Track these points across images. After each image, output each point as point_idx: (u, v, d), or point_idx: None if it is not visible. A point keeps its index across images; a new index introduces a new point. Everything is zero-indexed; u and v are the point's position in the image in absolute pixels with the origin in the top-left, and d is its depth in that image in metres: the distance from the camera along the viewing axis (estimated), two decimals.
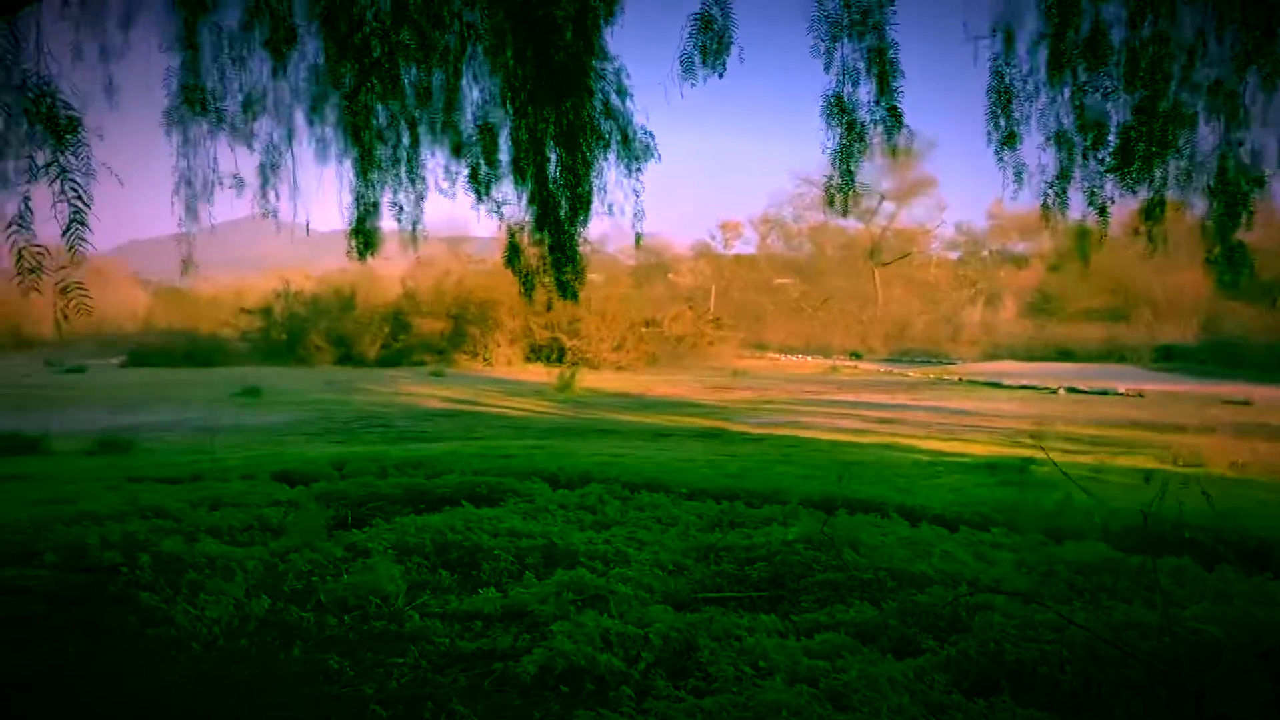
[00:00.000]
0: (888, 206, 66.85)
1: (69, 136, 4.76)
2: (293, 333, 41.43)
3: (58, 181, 4.66)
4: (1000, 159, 6.65)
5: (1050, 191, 6.68)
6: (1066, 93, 6.44)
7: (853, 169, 6.43)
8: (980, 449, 12.96)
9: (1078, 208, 6.72)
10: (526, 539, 6.30)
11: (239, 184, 7.52)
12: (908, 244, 68.40)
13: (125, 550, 5.86)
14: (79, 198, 4.70)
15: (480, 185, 7.68)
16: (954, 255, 71.25)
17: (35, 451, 12.27)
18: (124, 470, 10.23)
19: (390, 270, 48.57)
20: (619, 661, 4.22)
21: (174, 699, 3.86)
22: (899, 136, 6.36)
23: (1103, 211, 6.20)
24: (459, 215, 44.80)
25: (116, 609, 4.88)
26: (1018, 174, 6.70)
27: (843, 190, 6.47)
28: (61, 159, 4.69)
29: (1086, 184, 6.34)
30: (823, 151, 6.44)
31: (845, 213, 6.70)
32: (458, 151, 8.24)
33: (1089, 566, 5.53)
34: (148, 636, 4.55)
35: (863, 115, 6.35)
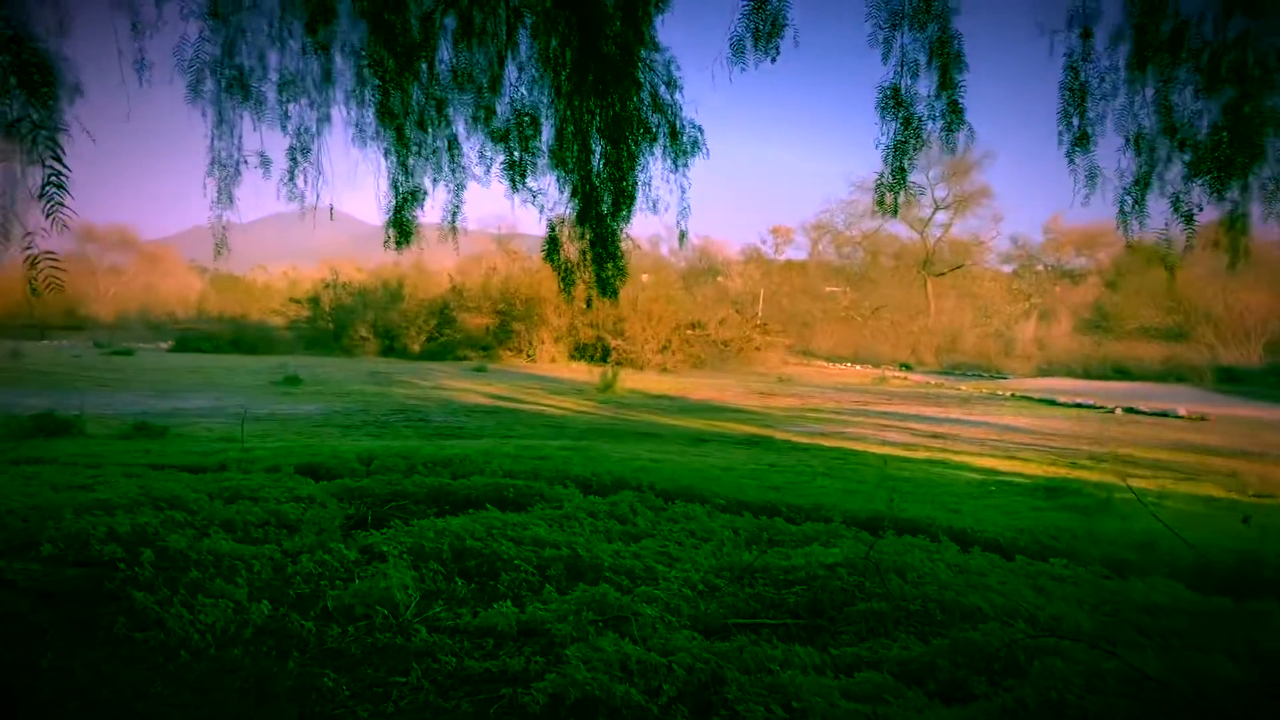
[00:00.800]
0: (941, 216, 65.92)
1: (44, 90, 4.45)
2: (339, 323, 41.59)
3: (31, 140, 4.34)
4: (1071, 161, 6.19)
5: (1128, 197, 6.20)
6: (1149, 92, 5.95)
7: (906, 166, 6.01)
8: (1035, 469, 12.40)
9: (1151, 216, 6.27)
10: (550, 549, 5.93)
11: (265, 163, 7.20)
12: (961, 255, 67.42)
13: (129, 544, 5.58)
14: (56, 159, 4.40)
15: (517, 173, 7.31)
16: (1007, 269, 70.11)
17: (69, 433, 12.15)
18: (152, 456, 10.05)
19: (438, 265, 48.78)
20: (638, 694, 3.83)
21: (148, 713, 3.54)
22: (959, 134, 5.93)
23: (1189, 219, 5.70)
24: (508, 212, 44.74)
25: (107, 608, 4.58)
26: (1090, 177, 6.22)
27: (894, 188, 6.04)
28: (35, 114, 4.39)
29: (1170, 189, 5.85)
30: (876, 146, 6.02)
31: (895, 212, 6.26)
32: (499, 140, 7.93)
33: (1159, 608, 5.04)
34: (135, 641, 4.24)
35: (920, 110, 5.92)
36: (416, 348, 40.04)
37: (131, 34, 6.89)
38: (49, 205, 4.32)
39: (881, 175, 5.95)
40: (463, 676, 4.12)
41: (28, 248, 4.35)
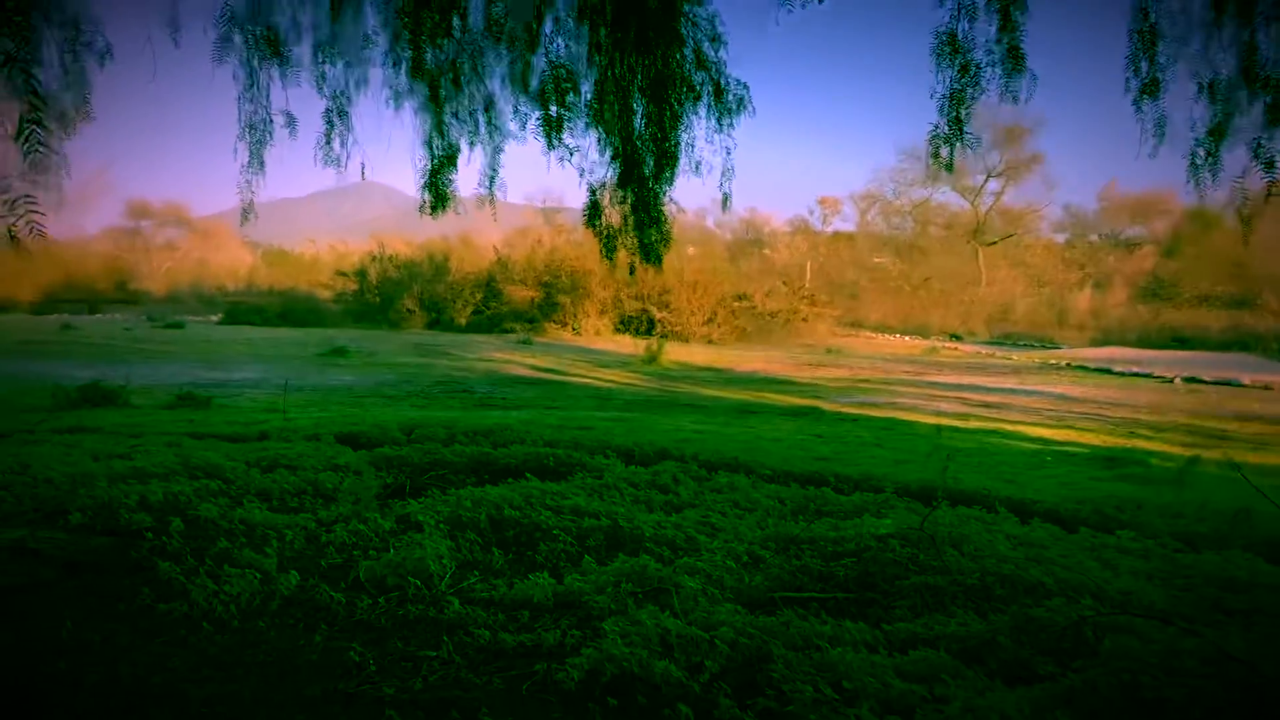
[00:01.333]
0: (993, 185, 64.62)
1: (18, 20, 4.25)
2: (386, 296, 41.72)
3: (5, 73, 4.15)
4: (1139, 109, 5.81)
5: (1200, 149, 5.82)
6: (1227, 33, 5.55)
7: (963, 117, 5.65)
8: (1093, 438, 11.99)
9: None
10: (590, 519, 5.73)
11: (291, 122, 7.01)
12: (1013, 224, 66.04)
13: (159, 513, 5.47)
14: (34, 93, 4.21)
15: (553, 129, 7.06)
16: (1060, 238, 68.62)
17: (114, 404, 12.19)
18: (194, 426, 10.01)
19: (484, 238, 48.81)
20: (678, 671, 3.61)
21: (160, 688, 3.39)
22: (1020, 81, 5.56)
23: (1269, 165, 5.30)
24: (555, 186, 44.64)
25: (132, 579, 4.45)
26: (1159, 128, 5.84)
27: (950, 140, 5.69)
28: (10, 46, 4.20)
29: (1247, 139, 5.45)
30: (931, 96, 5.68)
31: (950, 167, 5.90)
32: (536, 99, 7.68)
33: (1238, 582, 4.72)
34: (158, 613, 4.10)
35: (979, 55, 5.57)
36: (462, 320, 40.07)
37: None
38: (27, 145, 4.14)
39: (936, 127, 5.61)
40: (495, 650, 3.92)
41: (4, 191, 4.18)
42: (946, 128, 5.55)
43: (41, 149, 4.18)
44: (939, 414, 14.94)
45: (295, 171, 7.37)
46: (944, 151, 5.65)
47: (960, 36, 5.47)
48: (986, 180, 64.16)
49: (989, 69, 5.42)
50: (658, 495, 6.56)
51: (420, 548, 5.12)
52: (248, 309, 42.71)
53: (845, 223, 74.74)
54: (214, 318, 42.93)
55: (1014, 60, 5.39)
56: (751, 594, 4.66)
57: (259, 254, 67.79)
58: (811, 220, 75.71)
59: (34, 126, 4.17)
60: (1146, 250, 62.14)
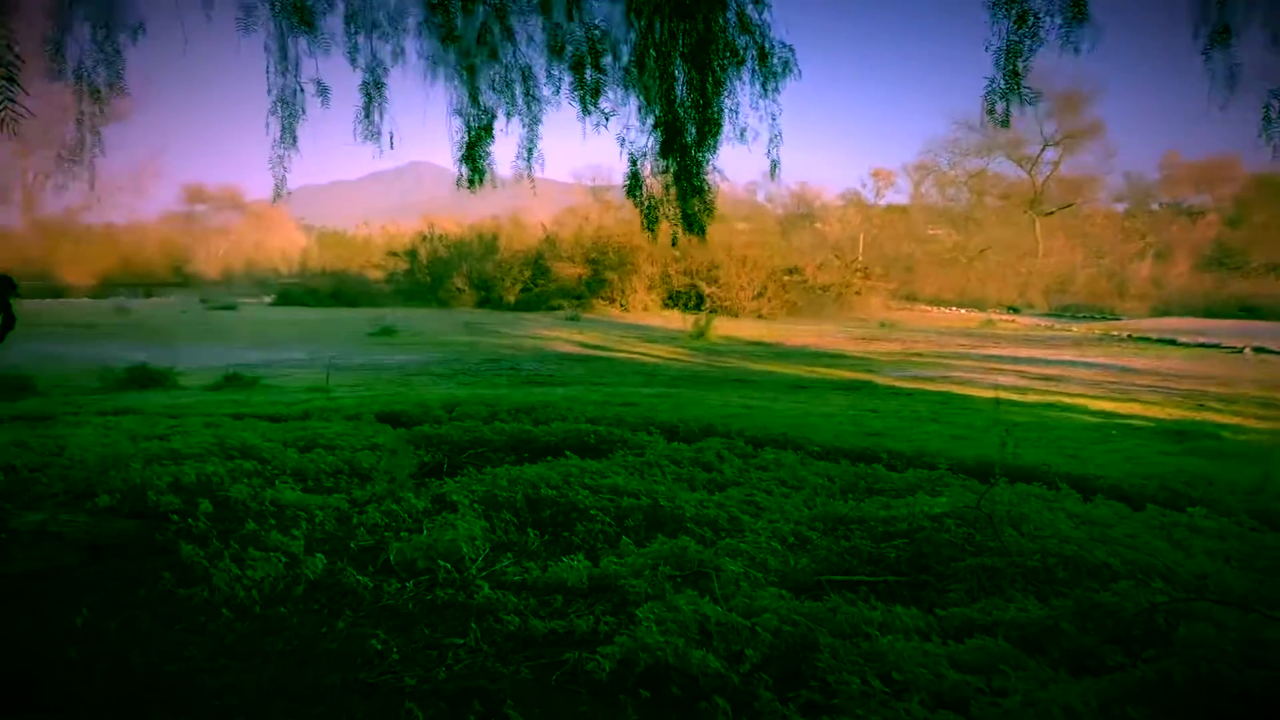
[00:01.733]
0: (1050, 154, 63.10)
1: None
2: (436, 275, 41.85)
3: None
4: (1208, 59, 5.43)
5: (1275, 100, 5.43)
6: None
7: (1020, 70, 5.29)
8: (1159, 411, 11.53)
9: None
10: (629, 498, 5.52)
11: (323, 91, 6.85)
12: (1071, 194, 64.39)
13: (189, 494, 5.37)
14: (8, 48, 4.04)
15: (588, 93, 6.82)
16: (1120, 207, 66.78)
17: (161, 385, 12.23)
18: (237, 407, 9.95)
19: (533, 217, 48.74)
20: (716, 661, 3.38)
21: (172, 677, 3.24)
22: (1082, 32, 5.19)
23: None
24: (603, 163, 44.33)
25: (154, 563, 4.33)
26: (1230, 79, 5.45)
27: (1006, 96, 5.33)
28: None
29: None
30: (986, 49, 5.33)
31: (1006, 122, 5.53)
32: (573, 67, 7.44)
33: None
34: (178, 598, 3.96)
35: (1037, 4, 5.21)
36: (511, 298, 40.07)
37: None
38: None
39: (992, 82, 5.25)
40: (525, 638, 3.73)
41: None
42: (1003, 82, 5.19)
43: (11, 103, 4.02)
44: (996, 387, 14.51)
45: (349, 154, 7.22)
46: (999, 107, 5.29)
47: None
48: (1044, 149, 62.65)
49: (1048, 19, 5.06)
50: (701, 473, 6.33)
51: (453, 529, 4.96)
52: (300, 290, 43.14)
53: (898, 195, 73.47)
54: (267, 299, 43.41)
55: (1075, 8, 5.03)
56: (797, 577, 4.41)
57: (313, 236, 68.47)
58: (864, 193, 74.53)
59: (4, 82, 4.01)
60: (1210, 219, 60.33)
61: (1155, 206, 66.42)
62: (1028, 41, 5.10)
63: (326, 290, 42.09)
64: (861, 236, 60.07)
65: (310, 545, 4.72)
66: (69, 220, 54.03)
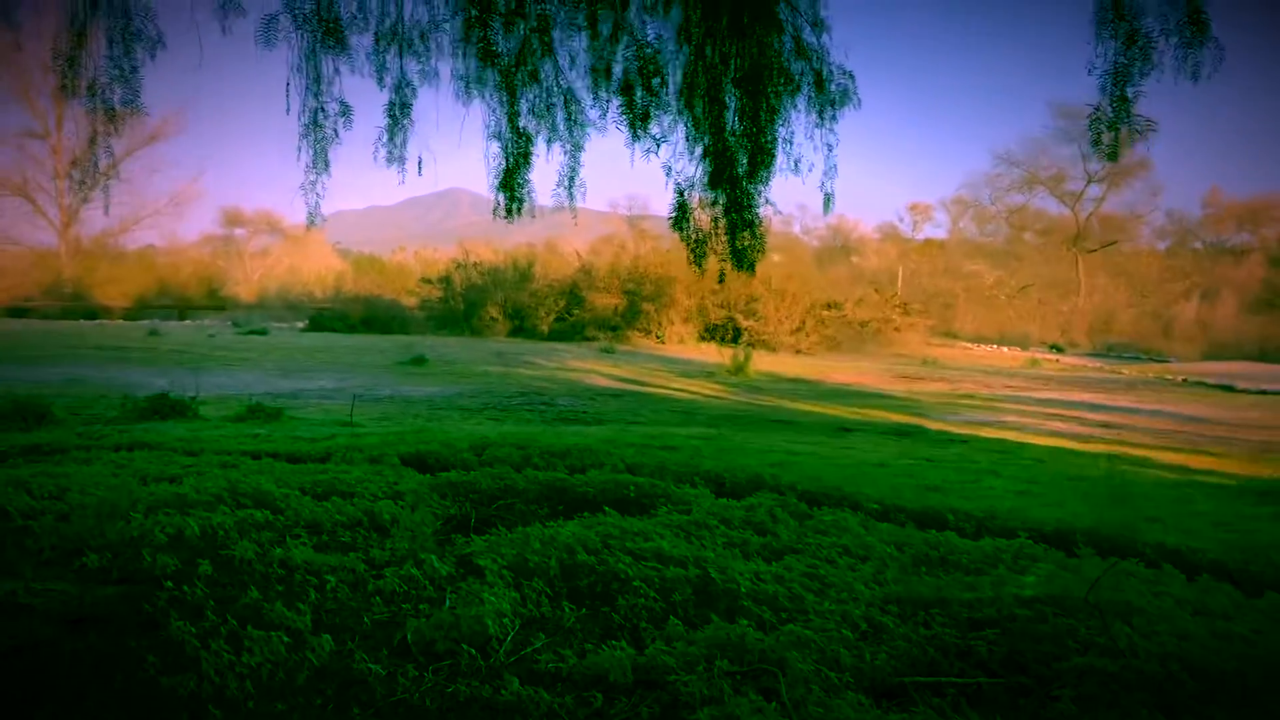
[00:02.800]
0: (1094, 190, 62.21)
1: None
2: (469, 303, 41.55)
3: None
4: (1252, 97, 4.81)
5: None
6: None
7: (1129, 96, 4.70)
8: (1235, 466, 10.77)
9: None
10: (676, 567, 4.92)
11: (345, 111, 6.41)
12: (1114, 231, 63.40)
13: (189, 553, 4.84)
14: None
15: (637, 117, 6.33)
16: (1161, 245, 65.66)
17: (182, 415, 11.80)
18: (257, 442, 9.48)
19: (569, 245, 48.51)
20: None
21: None
22: (1202, 54, 4.60)
23: None
24: (639, 192, 44.03)
25: (140, 640, 3.78)
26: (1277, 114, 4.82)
27: (1114, 125, 4.74)
28: None
29: None
30: (1089, 73, 4.75)
31: (1115, 156, 4.95)
32: (620, 90, 6.95)
33: None
34: (160, 688, 3.41)
35: (1149, 24, 4.63)
36: (545, 328, 39.64)
37: None
38: None
39: (1098, 108, 4.66)
40: None
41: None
42: (1110, 109, 4.60)
43: None
44: (1054, 435, 13.79)
45: (385, 179, 6.81)
46: (1107, 137, 4.69)
47: (1125, 1, 4.54)
48: (1087, 185, 61.77)
49: (1163, 38, 4.47)
50: (754, 537, 5.72)
51: (479, 601, 4.39)
52: (332, 316, 42.99)
53: (935, 229, 72.78)
54: (299, 324, 43.29)
55: (1195, 28, 4.44)
56: (875, 675, 3.79)
57: (349, 261, 68.72)
58: (901, 226, 73.86)
59: None
60: (1255, 258, 59.14)
61: (1197, 245, 65.30)
62: (1138, 64, 4.51)
63: (359, 316, 41.90)
64: (900, 271, 59.34)
65: (318, 620, 4.17)
66: (106, 242, 54.52)
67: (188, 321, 45.72)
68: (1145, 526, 6.81)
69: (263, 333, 36.11)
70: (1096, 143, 4.73)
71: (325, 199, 7.10)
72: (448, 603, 4.46)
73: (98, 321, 42.63)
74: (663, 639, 4.08)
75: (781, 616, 4.38)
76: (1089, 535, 6.15)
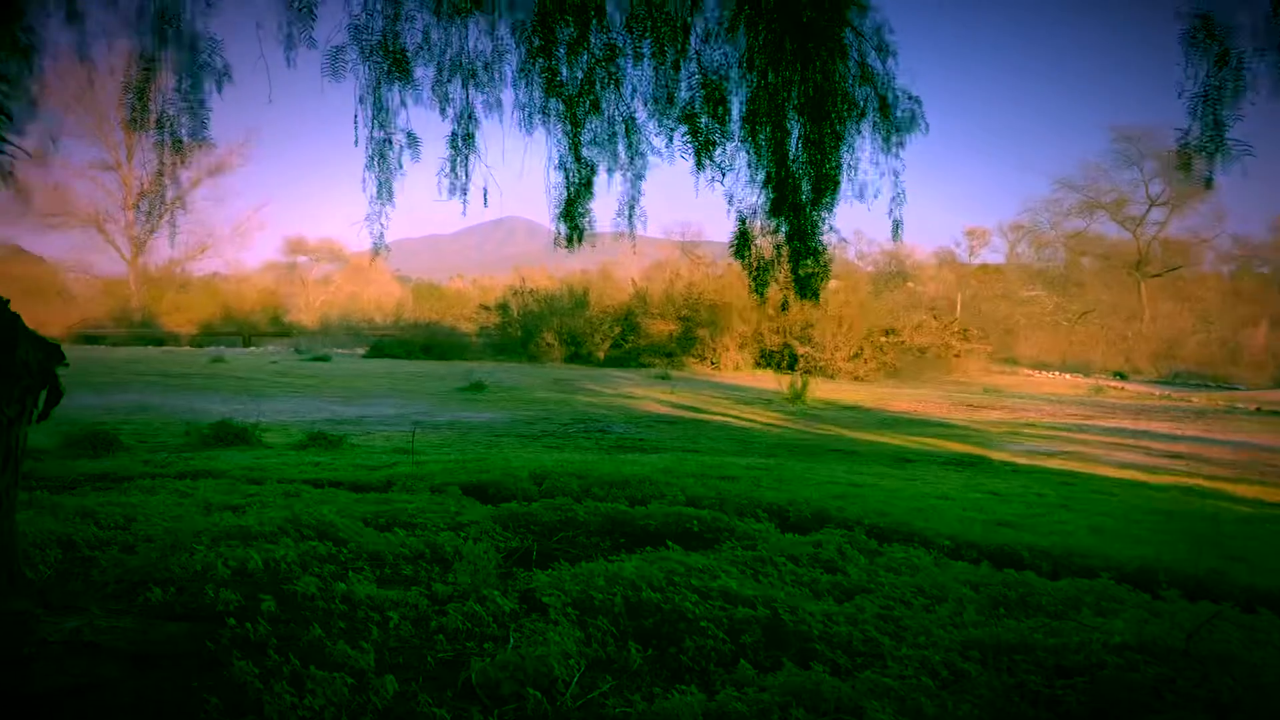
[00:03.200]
0: (1156, 214, 60.99)
1: None
2: (526, 329, 41.75)
3: None
4: None
5: None
6: None
7: (1222, 119, 4.51)
8: None
9: None
10: (744, 606, 4.78)
11: (413, 142, 6.41)
12: (1178, 256, 62.05)
13: (252, 587, 4.80)
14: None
15: (700, 145, 6.25)
16: (1226, 270, 64.07)
17: (245, 442, 11.90)
18: (319, 470, 9.52)
19: (624, 272, 48.60)
20: None
21: None
22: None
23: None
24: (694, 219, 43.99)
25: (203, 680, 3.73)
26: None
27: (1209, 149, 4.54)
28: None
29: None
30: (1179, 96, 4.57)
31: (1209, 184, 4.74)
32: (683, 117, 6.87)
33: None
34: None
35: (1242, 44, 4.44)
36: (601, 354, 39.68)
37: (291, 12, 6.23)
38: None
39: (1187, 133, 4.46)
40: None
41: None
42: (1202, 133, 4.41)
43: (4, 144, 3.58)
44: (1123, 466, 13.39)
45: (442, 208, 6.81)
46: (1199, 165, 4.48)
47: (1216, 22, 4.35)
48: (1149, 209, 60.58)
49: (1256, 58, 4.28)
50: (823, 575, 5.56)
51: (544, 641, 4.29)
52: (392, 342, 43.45)
53: (994, 254, 71.83)
54: (360, 350, 43.80)
55: None
56: None
57: (409, 288, 69.57)
58: (958, 251, 73.01)
59: None
60: None
61: (1264, 269, 63.64)
62: (1230, 85, 4.32)
63: (419, 342, 42.32)
64: (959, 296, 58.57)
65: (381, 659, 4.09)
66: (173, 270, 55.83)
67: (252, 348, 46.52)
68: (1231, 566, 6.52)
69: (325, 359, 36.57)
70: (1185, 168, 4.53)
71: (387, 229, 7.13)
72: (511, 641, 4.37)
73: (165, 348, 43.52)
74: (733, 684, 3.95)
75: (857, 661, 4.23)
76: (1172, 575, 5.91)
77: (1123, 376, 44.72)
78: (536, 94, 6.60)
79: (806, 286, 7.40)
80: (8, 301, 3.58)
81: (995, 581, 5.51)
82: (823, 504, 7.84)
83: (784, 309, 7.90)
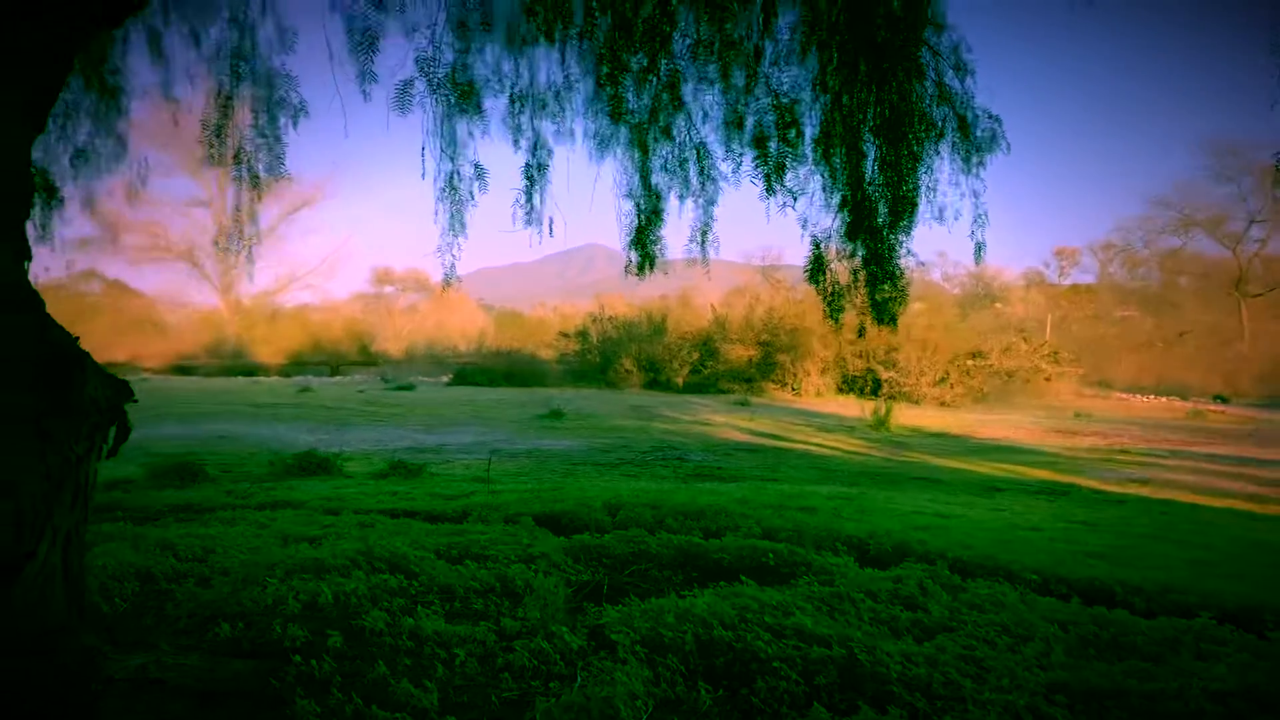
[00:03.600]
0: (1257, 231, 58.79)
1: None
2: (605, 356, 41.91)
3: None
4: None
5: None
6: None
7: None
8: None
9: None
10: (819, 646, 4.61)
11: (480, 174, 6.43)
12: None
13: (320, 622, 4.79)
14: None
15: (772, 169, 6.15)
16: None
17: (327, 472, 12.07)
18: (397, 500, 9.59)
19: (702, 297, 48.53)
20: None
21: None
22: None
23: None
24: (773, 242, 43.75)
25: (265, 718, 3.71)
26: None
27: None
28: None
29: None
30: (1271, 107, 4.33)
31: None
32: (753, 142, 6.77)
33: None
34: None
35: None
36: (679, 380, 39.60)
37: (354, 51, 6.31)
38: None
39: None
40: None
41: None
42: None
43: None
44: (1225, 495, 12.78)
45: (524, 236, 6.84)
46: None
47: None
48: (1249, 226, 58.42)
49: None
50: (903, 613, 5.34)
51: (610, 681, 4.18)
52: (475, 370, 44.02)
53: (1084, 274, 69.96)
54: (444, 378, 44.45)
55: None
56: None
57: (492, 316, 70.57)
58: (1047, 272, 71.32)
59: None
60: None
61: None
62: None
63: (500, 370, 42.80)
64: (1049, 318, 57.15)
65: (445, 697, 4.03)
66: (264, 302, 57.49)
67: (339, 377, 47.57)
68: None
69: (410, 388, 37.18)
70: (1278, 182, 4.26)
71: (470, 256, 7.16)
72: (578, 681, 4.27)
73: (254, 378, 44.73)
74: None
75: (936, 705, 4.03)
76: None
77: (1224, 400, 43.02)
78: (604, 122, 6.58)
79: (884, 312, 7.22)
80: (76, 339, 3.63)
81: (1085, 620, 5.23)
82: (904, 536, 7.60)
83: (860, 335, 7.70)
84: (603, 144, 6.87)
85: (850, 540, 7.38)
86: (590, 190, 7.12)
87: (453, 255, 7.18)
